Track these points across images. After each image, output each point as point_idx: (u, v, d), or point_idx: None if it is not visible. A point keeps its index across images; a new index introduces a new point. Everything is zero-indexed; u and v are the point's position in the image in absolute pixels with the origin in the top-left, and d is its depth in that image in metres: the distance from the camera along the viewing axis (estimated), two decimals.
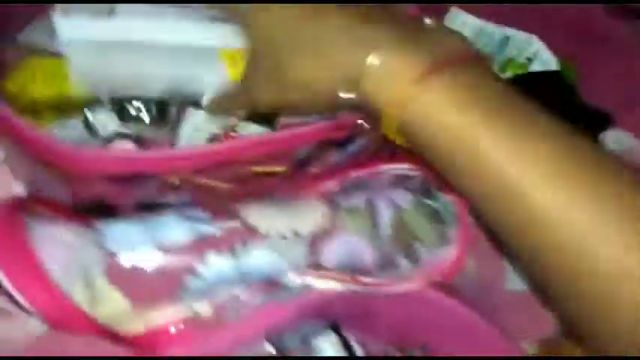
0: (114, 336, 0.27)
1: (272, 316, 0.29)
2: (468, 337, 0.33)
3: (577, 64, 0.59)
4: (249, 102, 0.35)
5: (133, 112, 0.40)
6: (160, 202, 0.36)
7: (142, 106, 0.40)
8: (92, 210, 0.35)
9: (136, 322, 0.26)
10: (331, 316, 0.34)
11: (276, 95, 0.32)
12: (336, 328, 0.37)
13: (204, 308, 0.28)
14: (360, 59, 0.27)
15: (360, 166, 0.41)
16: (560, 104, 0.54)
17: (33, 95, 0.36)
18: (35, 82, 0.36)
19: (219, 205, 0.31)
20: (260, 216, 0.30)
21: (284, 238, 0.29)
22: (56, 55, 0.37)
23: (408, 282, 0.31)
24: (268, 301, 0.29)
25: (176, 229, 0.28)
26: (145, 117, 0.41)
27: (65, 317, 0.25)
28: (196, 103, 0.42)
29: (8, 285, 0.24)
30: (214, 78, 0.37)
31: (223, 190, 0.36)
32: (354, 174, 0.40)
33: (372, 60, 0.27)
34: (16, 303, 0.25)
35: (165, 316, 0.27)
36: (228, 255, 0.28)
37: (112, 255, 0.27)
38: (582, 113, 0.56)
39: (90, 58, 0.35)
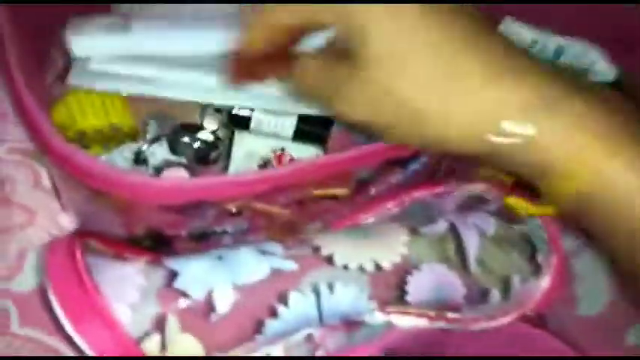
0: None
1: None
2: None
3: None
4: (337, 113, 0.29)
5: (182, 142, 0.39)
6: (217, 231, 0.34)
7: (189, 139, 0.39)
8: (148, 242, 0.33)
9: None
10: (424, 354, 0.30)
11: (375, 116, 0.27)
12: None
13: (277, 351, 0.25)
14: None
15: (424, 186, 0.38)
16: None
17: (82, 126, 0.34)
18: (83, 114, 0.35)
19: (288, 234, 0.28)
20: (336, 245, 0.27)
21: (364, 270, 0.26)
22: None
23: (502, 317, 0.28)
24: (349, 344, 0.26)
25: (252, 265, 0.26)
26: (195, 146, 0.39)
27: None
28: (246, 125, 0.41)
29: (74, 334, 0.21)
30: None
31: (282, 215, 0.34)
32: (416, 194, 0.38)
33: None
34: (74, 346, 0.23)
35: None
36: (311, 293, 0.25)
37: (184, 295, 0.24)
38: None
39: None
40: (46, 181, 0.36)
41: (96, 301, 0.22)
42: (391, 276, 0.26)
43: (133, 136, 0.37)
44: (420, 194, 0.38)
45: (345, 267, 0.26)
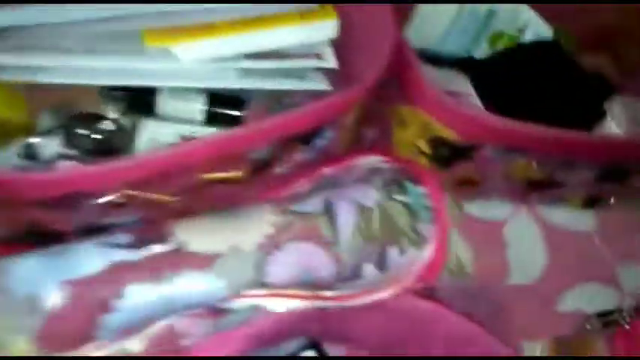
0: None
1: (217, 347, 0.25)
2: (457, 345, 0.28)
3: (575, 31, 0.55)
4: None
5: (79, 134, 0.37)
6: (105, 224, 0.33)
7: (87, 130, 0.37)
8: (32, 238, 0.32)
9: None
10: (308, 333, 0.29)
11: None
12: (315, 344, 0.33)
13: (135, 345, 0.24)
14: None
15: (333, 162, 0.37)
16: (558, 75, 0.50)
17: None
18: None
19: (152, 226, 0.27)
20: (195, 233, 0.26)
21: (219, 255, 0.25)
22: None
23: (377, 292, 0.27)
24: (213, 332, 0.25)
25: (88, 260, 0.25)
26: (95, 138, 0.38)
27: None
28: (150, 110, 0.40)
29: None
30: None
31: (174, 204, 0.32)
32: (328, 171, 0.37)
33: None
34: None
35: (89, 354, 0.23)
36: (152, 283, 0.24)
37: (11, 294, 0.23)
38: (584, 82, 0.51)
39: None
40: None
41: None
42: (250, 258, 0.25)
43: (26, 129, 0.36)
44: (330, 170, 0.36)
45: (198, 253, 0.25)
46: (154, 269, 0.24)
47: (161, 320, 0.25)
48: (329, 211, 0.28)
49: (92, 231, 0.33)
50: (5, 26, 0.36)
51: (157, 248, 0.25)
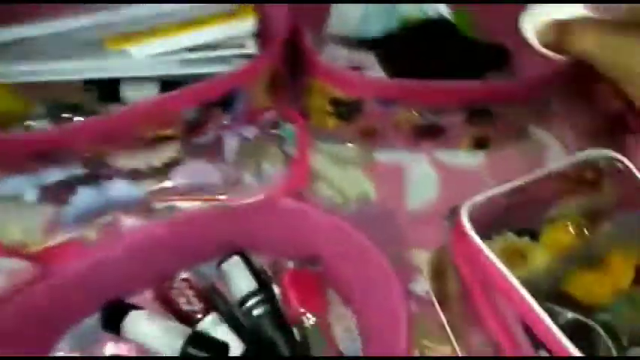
0: (20, 254, 0.35)
1: (144, 232, 0.37)
2: (330, 236, 0.39)
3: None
4: None
5: (66, 116, 0.50)
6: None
7: (69, 117, 0.50)
8: None
9: (37, 245, 0.35)
10: (223, 238, 0.41)
11: None
12: (240, 253, 0.45)
13: (90, 232, 0.36)
14: None
15: (249, 121, 0.49)
16: (446, 46, 0.60)
17: None
18: None
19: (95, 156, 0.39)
20: (122, 157, 0.38)
21: (138, 170, 0.37)
22: None
23: (256, 194, 0.38)
24: (146, 224, 0.37)
25: (53, 174, 0.37)
26: (75, 119, 0.51)
27: None
28: (116, 98, 0.52)
29: None
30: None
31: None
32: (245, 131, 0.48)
33: None
34: None
35: (58, 239, 0.36)
36: (94, 187, 0.36)
37: (3, 198, 0.36)
38: (479, 49, 0.61)
39: None
40: None
41: None
42: (160, 171, 0.37)
43: (24, 117, 0.49)
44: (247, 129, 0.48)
45: (124, 168, 0.37)
46: (94, 178, 0.37)
47: (107, 215, 0.37)
48: (218, 141, 0.39)
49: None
50: (8, 41, 0.49)
51: (97, 165, 0.38)
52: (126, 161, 0.38)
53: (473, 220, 0.38)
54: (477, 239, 0.35)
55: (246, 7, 0.54)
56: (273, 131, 0.41)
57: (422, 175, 0.55)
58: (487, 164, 0.57)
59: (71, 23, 0.52)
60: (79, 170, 0.38)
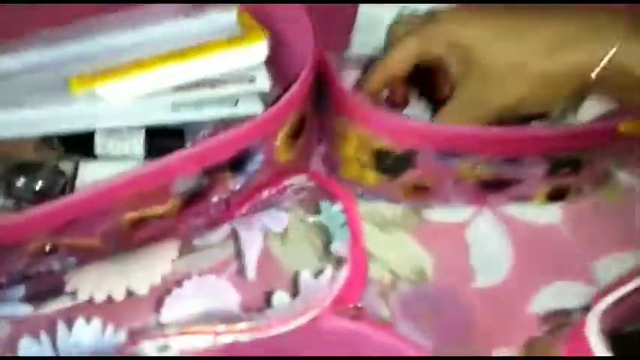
0: None
1: None
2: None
3: None
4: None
5: (19, 185, 0.38)
6: (41, 271, 0.33)
7: (26, 180, 0.38)
8: None
9: None
10: None
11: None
12: None
13: None
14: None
15: (269, 183, 0.36)
16: None
17: None
18: None
19: (48, 277, 0.27)
20: (83, 279, 0.25)
21: (112, 300, 0.25)
22: None
23: (292, 319, 0.26)
24: None
25: None
26: (35, 186, 0.38)
27: None
28: (91, 152, 0.40)
29: None
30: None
31: (103, 247, 0.32)
32: (267, 193, 0.36)
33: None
34: None
35: None
36: (46, 339, 0.24)
37: None
38: None
39: None
40: None
41: None
42: (147, 301, 0.25)
43: None
44: (269, 193, 0.36)
45: (90, 300, 0.25)
46: (45, 319, 0.24)
47: None
48: (235, 239, 0.27)
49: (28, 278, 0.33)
50: None
51: (51, 300, 0.25)
52: (92, 288, 0.25)
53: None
54: None
55: (254, 30, 0.41)
56: (311, 219, 0.28)
57: (490, 236, 0.43)
58: (567, 218, 0.45)
59: (26, 58, 0.40)
60: (19, 308, 0.25)
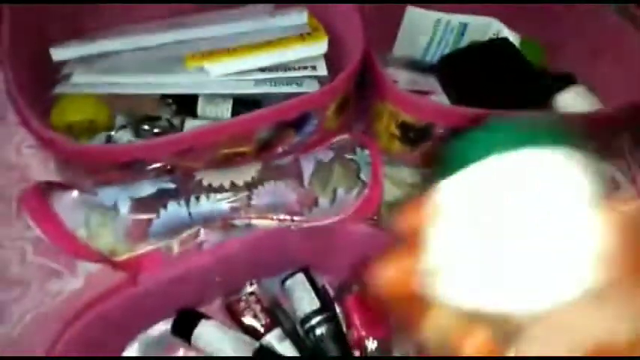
0: (110, 261, 0.38)
1: (224, 248, 0.39)
2: None
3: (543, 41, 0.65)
4: None
5: (144, 129, 0.53)
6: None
7: (149, 126, 0.53)
8: None
9: (125, 253, 0.37)
10: (292, 255, 0.42)
11: None
12: (304, 270, 0.46)
13: (173, 244, 0.38)
14: None
15: (318, 142, 0.50)
16: (508, 69, 0.60)
17: (68, 121, 0.49)
18: (68, 113, 0.50)
19: (184, 170, 0.41)
20: (208, 175, 0.40)
21: (223, 187, 0.39)
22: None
23: (329, 217, 0.39)
24: (225, 239, 0.39)
25: (145, 187, 0.39)
26: (154, 131, 0.53)
27: (76, 248, 0.37)
28: (193, 112, 0.55)
29: (40, 233, 0.36)
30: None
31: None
32: (314, 150, 0.50)
33: None
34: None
35: (144, 248, 0.38)
36: (183, 203, 0.38)
37: (102, 207, 0.38)
38: (546, 78, 0.61)
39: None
40: None
41: (53, 217, 0.36)
42: (243, 190, 0.39)
43: (108, 127, 0.52)
44: (316, 150, 0.50)
45: (210, 185, 0.39)
46: (184, 194, 0.39)
47: (190, 228, 0.39)
48: (296, 163, 0.41)
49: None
50: (92, 54, 0.52)
51: (185, 182, 0.40)
52: (212, 179, 0.40)
53: None
54: None
55: (318, 30, 0.55)
56: (348, 156, 0.42)
57: None
58: None
59: (154, 40, 0.55)
60: (169, 185, 0.40)
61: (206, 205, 0.38)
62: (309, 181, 0.40)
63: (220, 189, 0.39)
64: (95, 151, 0.41)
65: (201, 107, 0.55)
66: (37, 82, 0.50)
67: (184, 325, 0.42)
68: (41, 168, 0.52)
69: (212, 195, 0.39)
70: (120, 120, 0.53)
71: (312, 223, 0.39)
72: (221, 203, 0.39)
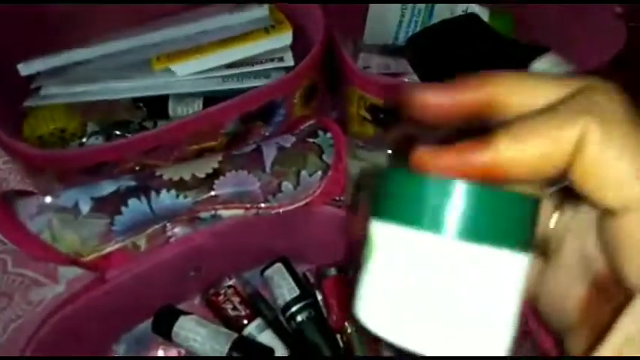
0: (77, 262, 0.38)
1: (190, 240, 0.39)
2: None
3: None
4: None
5: (117, 133, 0.53)
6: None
7: (121, 131, 0.53)
8: None
9: (91, 253, 0.38)
10: (266, 244, 0.42)
11: None
12: (283, 260, 0.46)
13: (140, 241, 0.38)
14: None
15: (287, 130, 0.50)
16: (488, 44, 0.60)
17: (38, 133, 0.50)
18: (38, 124, 0.50)
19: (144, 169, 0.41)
20: (169, 169, 0.40)
21: (183, 181, 0.39)
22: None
23: (295, 202, 0.39)
24: (192, 231, 0.39)
25: (105, 186, 0.40)
26: (127, 135, 0.54)
27: (42, 252, 0.37)
28: (165, 114, 0.55)
29: (7, 240, 0.36)
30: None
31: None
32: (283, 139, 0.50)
33: None
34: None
35: (110, 247, 0.38)
36: (144, 199, 0.39)
37: (63, 209, 0.38)
38: (518, 49, 0.60)
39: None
40: None
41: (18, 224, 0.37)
42: (204, 181, 0.39)
43: (80, 135, 0.52)
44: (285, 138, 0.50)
45: (170, 179, 0.39)
46: (144, 190, 0.39)
47: (156, 224, 0.39)
48: (259, 150, 0.41)
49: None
50: (59, 65, 0.53)
51: (147, 178, 0.40)
52: (172, 173, 0.40)
53: None
54: None
55: (282, 22, 0.56)
56: (311, 140, 0.42)
57: None
58: None
59: (119, 46, 0.56)
60: (129, 182, 0.40)
61: (167, 199, 0.39)
62: (271, 167, 0.40)
63: (181, 182, 0.39)
64: (63, 156, 0.42)
65: (172, 108, 0.55)
66: (6, 97, 0.51)
67: (163, 321, 0.42)
68: (17, 182, 0.53)
69: (173, 189, 0.39)
70: (92, 127, 0.54)
71: (277, 209, 0.39)
72: (184, 196, 0.39)
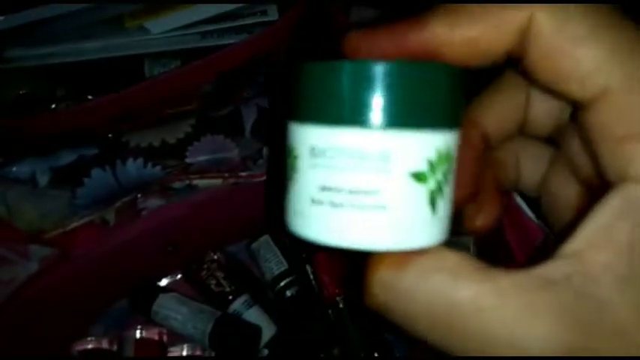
0: (38, 239, 0.35)
1: (163, 213, 0.35)
2: None
3: None
4: None
5: (90, 98, 0.49)
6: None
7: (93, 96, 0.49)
8: None
9: (54, 229, 0.34)
10: (250, 216, 0.39)
11: None
12: (271, 232, 0.43)
13: (108, 215, 0.35)
14: None
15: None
16: None
17: (6, 97, 0.46)
18: (5, 89, 0.46)
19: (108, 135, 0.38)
20: (136, 135, 0.36)
21: (152, 147, 0.35)
22: None
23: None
24: (166, 204, 0.35)
25: (64, 155, 0.36)
26: None
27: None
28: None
29: None
30: None
31: None
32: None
33: None
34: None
35: (75, 222, 0.35)
36: (108, 168, 0.35)
37: (18, 181, 0.35)
38: None
39: None
40: None
41: None
42: (176, 147, 0.35)
43: (49, 100, 0.48)
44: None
45: (137, 146, 0.35)
46: (107, 158, 0.35)
47: (124, 197, 0.35)
48: (237, 114, 0.37)
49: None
50: (24, 24, 0.48)
51: (112, 145, 0.36)
52: (139, 139, 0.37)
53: None
54: None
55: None
56: None
57: None
58: None
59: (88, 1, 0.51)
60: (92, 151, 0.36)
61: (134, 168, 0.35)
62: (250, 131, 0.37)
63: (149, 149, 0.36)
64: (31, 123, 0.38)
65: (148, 69, 0.51)
66: None
67: (141, 300, 0.39)
68: None
69: (140, 157, 0.35)
70: (61, 90, 0.49)
71: (259, 177, 0.36)
72: (151, 165, 0.35)
